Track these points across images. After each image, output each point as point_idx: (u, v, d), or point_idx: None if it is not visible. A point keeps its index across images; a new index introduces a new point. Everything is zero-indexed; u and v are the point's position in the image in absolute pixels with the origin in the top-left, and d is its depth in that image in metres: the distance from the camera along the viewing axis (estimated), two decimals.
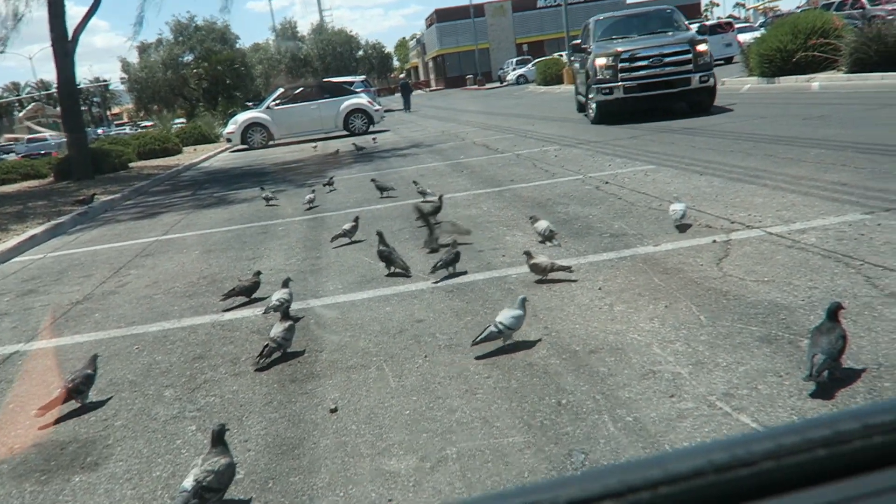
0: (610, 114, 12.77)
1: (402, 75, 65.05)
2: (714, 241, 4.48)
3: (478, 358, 3.17)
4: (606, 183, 7.05)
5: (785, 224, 4.66)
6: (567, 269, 4.08)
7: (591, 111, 13.43)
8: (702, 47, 12.13)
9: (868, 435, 0.49)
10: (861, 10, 24.15)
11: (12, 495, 2.53)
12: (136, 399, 3.25)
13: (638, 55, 12.18)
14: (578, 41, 14.69)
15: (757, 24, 41.01)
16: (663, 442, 2.28)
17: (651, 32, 13.44)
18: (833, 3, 30.62)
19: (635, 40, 13.00)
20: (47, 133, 40.49)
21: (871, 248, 3.94)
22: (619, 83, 12.23)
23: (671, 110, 12.81)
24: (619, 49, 12.39)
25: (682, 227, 4.85)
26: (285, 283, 4.17)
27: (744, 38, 27.97)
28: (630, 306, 3.56)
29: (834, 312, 2.59)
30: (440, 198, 6.25)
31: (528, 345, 3.24)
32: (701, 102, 12.47)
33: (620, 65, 12.16)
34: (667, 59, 12.04)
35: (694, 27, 30.41)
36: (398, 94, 36.44)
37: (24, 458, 2.81)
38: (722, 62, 29.39)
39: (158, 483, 2.48)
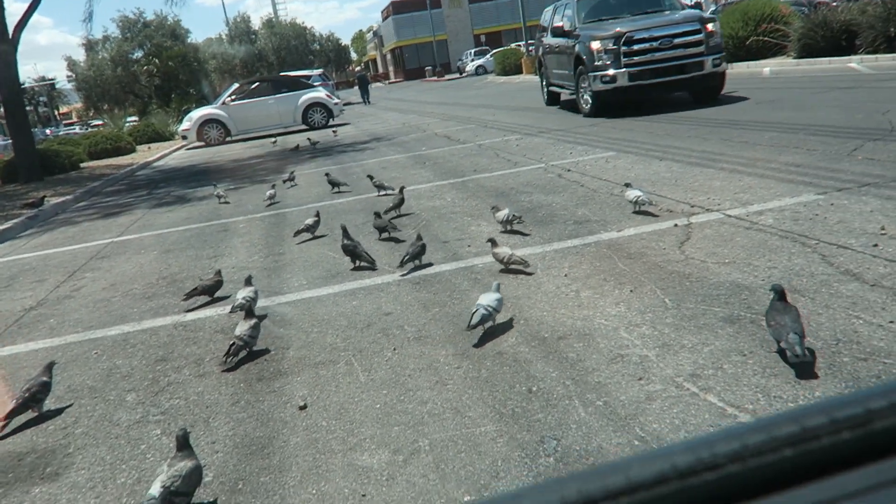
0: (609, 105, 11.13)
1: (358, 68, 64.39)
2: (675, 225, 4.54)
3: (459, 348, 3.17)
4: (568, 171, 7.09)
5: (743, 206, 4.75)
6: (524, 263, 4.00)
7: (585, 103, 11.62)
8: (712, 26, 10.55)
9: (836, 431, 0.47)
10: None
11: None
12: (96, 405, 3.15)
13: (643, 37, 10.45)
14: (560, 24, 12.63)
15: (709, 12, 41.73)
16: (633, 425, 2.30)
17: (644, 12, 11.75)
18: None
19: (633, 20, 11.22)
20: None
21: (825, 227, 4.04)
22: (623, 69, 10.50)
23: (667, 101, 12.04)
24: (622, 30, 10.57)
25: (643, 212, 4.90)
26: (248, 281, 4.09)
27: None
28: (596, 292, 3.59)
29: (783, 293, 2.66)
30: (401, 190, 6.22)
31: (497, 333, 3.24)
32: (712, 89, 11.05)
33: (623, 48, 10.44)
34: (677, 41, 10.38)
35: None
36: (356, 88, 36.20)
37: None
38: None
39: (123, 490, 2.41)
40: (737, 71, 16.41)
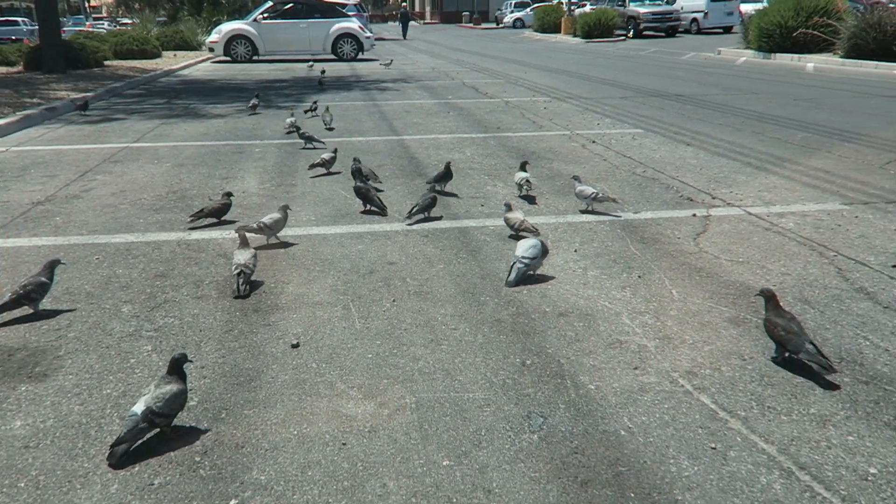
0: None
1: (403, 3, 62.79)
2: (694, 215, 4.46)
3: (447, 309, 3.14)
4: (593, 142, 6.95)
5: (765, 205, 4.66)
6: (534, 231, 3.87)
7: None
8: None
9: None
10: None
11: None
12: (91, 312, 3.15)
13: None
14: None
15: None
16: (622, 414, 2.29)
17: None
18: None
19: None
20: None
21: (846, 239, 3.96)
22: None
23: None
24: None
25: (592, 209, 4.59)
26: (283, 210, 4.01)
27: (746, 8, 27.61)
28: (604, 272, 3.54)
29: (772, 297, 2.65)
30: (447, 165, 5.07)
31: (498, 300, 3.21)
32: None
33: None
34: None
35: None
36: (390, 23, 36.14)
37: None
38: (721, 31, 29.11)
39: (108, 401, 2.42)
40: (779, 62, 16.01)
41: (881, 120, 7.96)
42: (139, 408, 2.12)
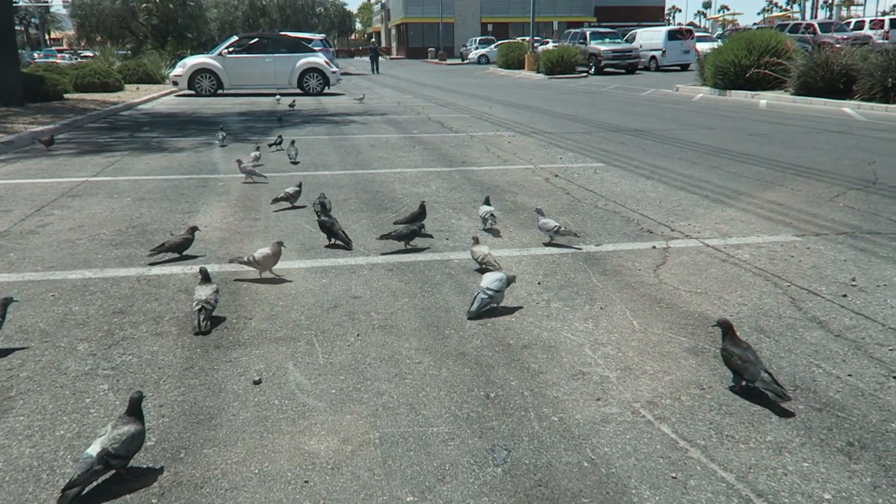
0: None
1: (372, 40, 63.74)
2: (654, 247, 4.55)
3: (412, 343, 3.14)
4: (556, 176, 7.07)
5: (722, 237, 4.78)
6: (496, 266, 3.88)
7: None
8: None
9: None
10: (813, 35, 25.03)
11: None
12: (45, 350, 3.07)
13: None
14: None
15: (715, 36, 42.09)
16: (585, 446, 2.30)
17: None
18: (788, 24, 31.77)
19: None
20: None
21: (798, 270, 4.08)
22: None
23: None
24: None
25: (554, 242, 4.65)
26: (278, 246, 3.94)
27: (702, 47, 28.67)
28: (567, 304, 3.58)
29: (729, 328, 2.70)
30: (422, 205, 4.91)
31: (462, 333, 3.22)
32: None
33: None
34: None
35: (662, 29, 31.04)
36: (357, 59, 37.01)
37: None
38: (678, 68, 30.08)
39: (61, 443, 2.35)
40: (734, 98, 16.56)
41: (830, 154, 8.27)
42: (94, 449, 2.06)
